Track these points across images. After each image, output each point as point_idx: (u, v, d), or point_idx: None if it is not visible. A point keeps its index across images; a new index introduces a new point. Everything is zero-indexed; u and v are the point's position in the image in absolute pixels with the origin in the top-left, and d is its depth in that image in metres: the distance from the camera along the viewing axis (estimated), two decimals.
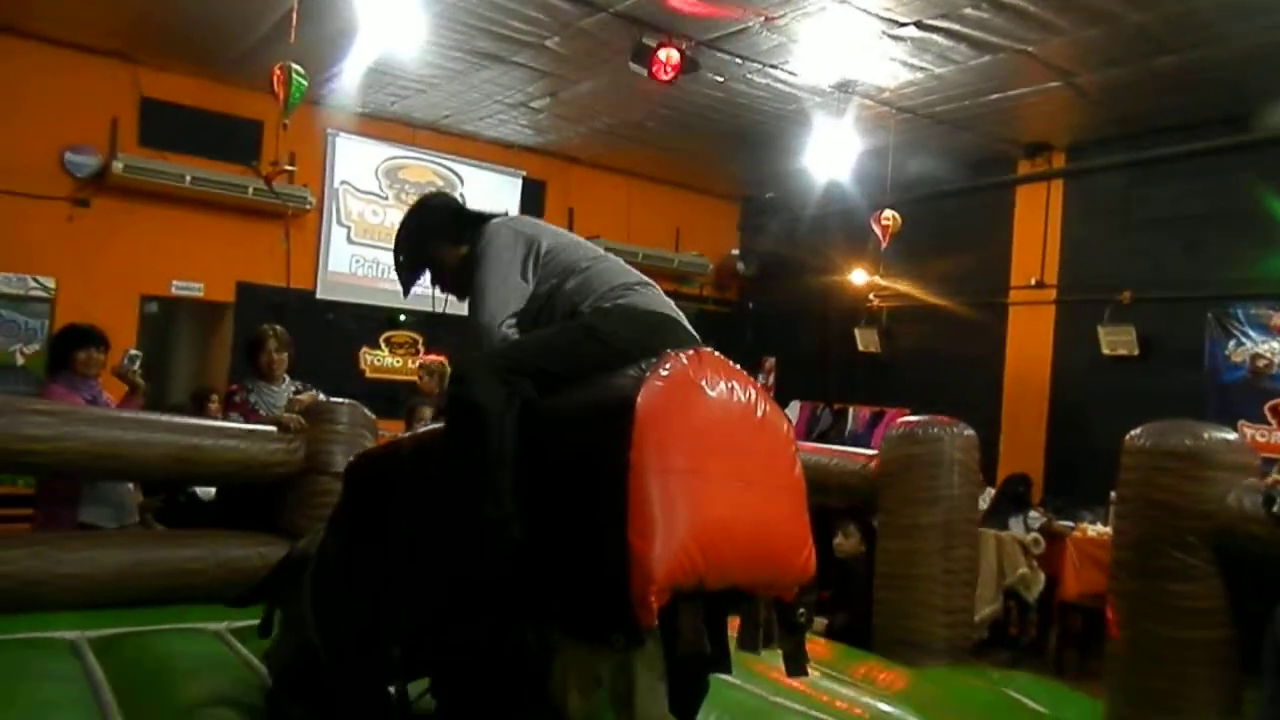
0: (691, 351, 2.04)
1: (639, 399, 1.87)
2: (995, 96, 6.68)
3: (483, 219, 2.44)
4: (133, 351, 4.39)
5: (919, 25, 5.58)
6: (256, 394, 4.33)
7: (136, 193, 7.23)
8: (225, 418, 4.36)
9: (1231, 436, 3.33)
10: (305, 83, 5.28)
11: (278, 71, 5.19)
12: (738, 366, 2.11)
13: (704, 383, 1.97)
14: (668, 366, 1.97)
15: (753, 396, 2.05)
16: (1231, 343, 6.69)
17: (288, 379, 4.43)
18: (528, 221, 2.46)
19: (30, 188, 6.92)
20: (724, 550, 1.86)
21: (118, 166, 7.01)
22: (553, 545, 1.89)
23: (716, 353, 2.11)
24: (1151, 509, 3.22)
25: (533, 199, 9.11)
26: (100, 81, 7.15)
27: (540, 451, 1.97)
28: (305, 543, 2.62)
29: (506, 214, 2.51)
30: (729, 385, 2.01)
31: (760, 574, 1.98)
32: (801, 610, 2.08)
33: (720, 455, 1.92)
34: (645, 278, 2.33)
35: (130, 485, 4.30)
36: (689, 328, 2.23)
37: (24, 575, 3.43)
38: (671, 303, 2.30)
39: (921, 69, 6.27)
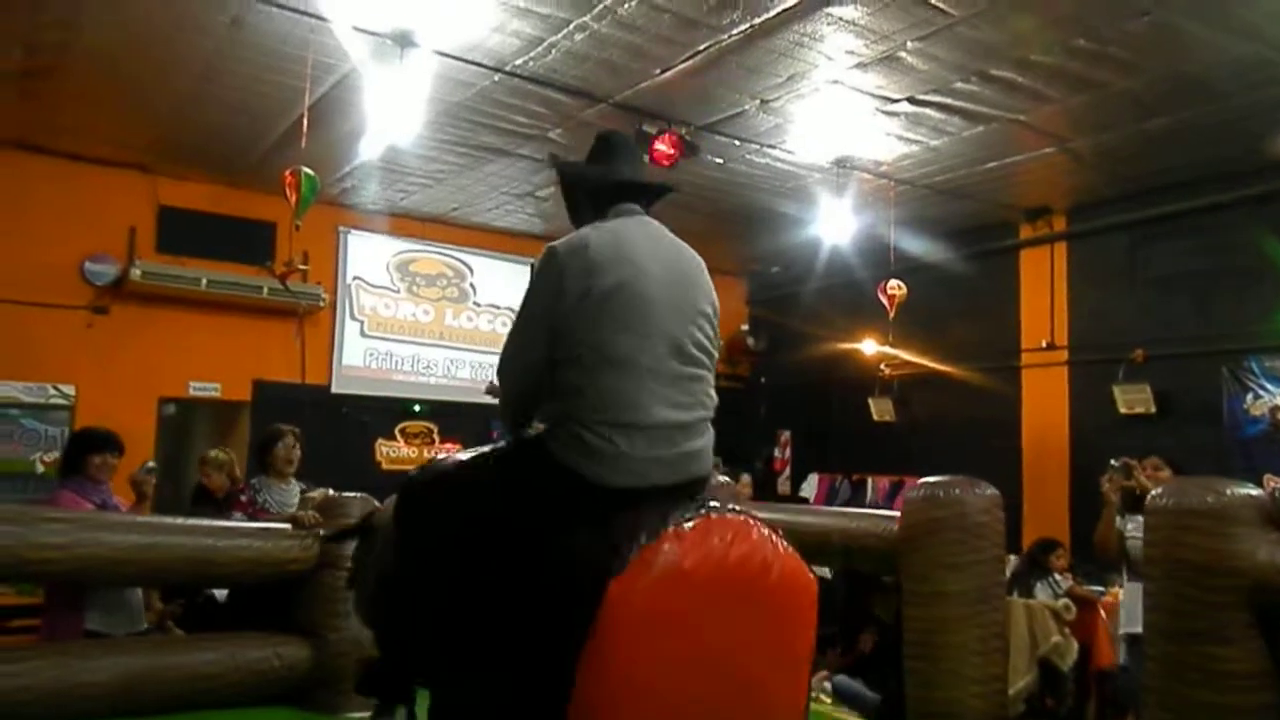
0: (699, 519, 1.94)
1: (611, 587, 1.80)
2: (992, 165, 6.78)
3: (587, 211, 2.34)
4: (150, 464, 4.44)
5: (911, 101, 5.71)
6: (266, 492, 4.35)
7: (154, 298, 7.38)
8: (228, 518, 4.35)
9: (1256, 491, 3.28)
10: (316, 184, 5.43)
11: (289, 176, 5.34)
12: (756, 523, 2.01)
13: (698, 569, 1.88)
14: (660, 555, 1.87)
15: (765, 563, 1.97)
16: (1249, 396, 6.64)
17: (294, 480, 4.46)
18: (585, 254, 2.12)
19: (50, 297, 7.08)
20: None
21: (136, 273, 7.18)
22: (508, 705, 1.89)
23: (730, 517, 2.00)
24: (1180, 569, 3.16)
25: None
26: (119, 192, 7.37)
27: (512, 603, 1.95)
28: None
29: (610, 209, 2.30)
30: (732, 562, 1.93)
31: None
32: None
33: (698, 646, 1.87)
34: (659, 415, 2.06)
35: (139, 590, 4.25)
36: (678, 486, 2.07)
37: (44, 686, 3.41)
38: (689, 447, 2.11)
39: (917, 142, 6.40)
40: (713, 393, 2.23)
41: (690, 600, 1.87)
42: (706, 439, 2.18)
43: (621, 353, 2.05)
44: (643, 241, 2.20)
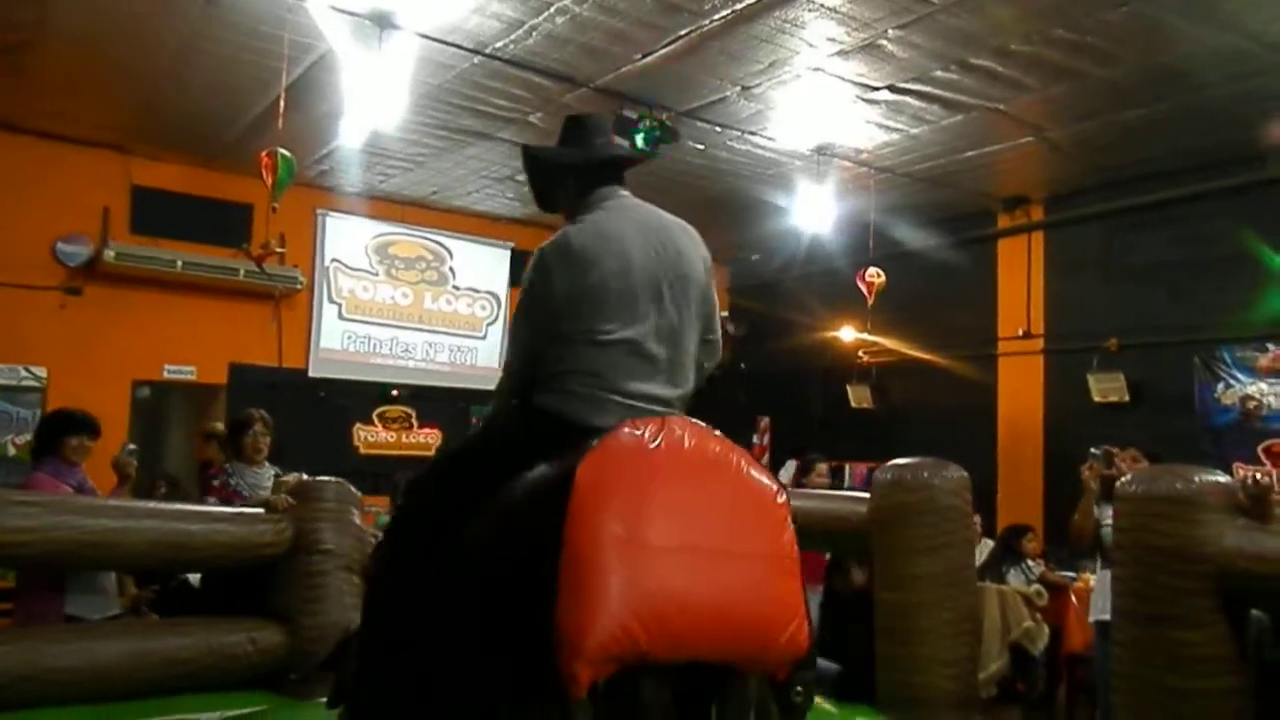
0: (657, 418, 2.00)
1: (579, 470, 1.85)
2: (970, 153, 6.81)
3: (565, 195, 2.39)
4: (131, 446, 4.40)
5: (892, 89, 5.72)
6: (238, 476, 4.32)
7: (128, 279, 7.29)
8: (202, 502, 4.31)
9: (1223, 479, 3.33)
10: (293, 166, 5.37)
11: (265, 157, 5.28)
12: (716, 432, 2.05)
13: (662, 449, 1.92)
14: (621, 434, 1.94)
15: (730, 462, 2.00)
16: (1220, 385, 6.72)
17: (267, 464, 4.43)
18: (570, 252, 2.20)
19: (22, 278, 6.98)
20: (675, 622, 1.80)
21: (109, 254, 7.08)
22: (506, 623, 1.90)
23: (689, 419, 2.06)
24: (1148, 555, 3.20)
25: (522, 269, 9.19)
26: (92, 172, 7.27)
27: (496, 532, 1.98)
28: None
29: (597, 199, 2.33)
30: (697, 451, 1.96)
31: (733, 648, 1.89)
32: (799, 689, 1.98)
33: (676, 524, 1.86)
34: (642, 390, 2.15)
35: (112, 574, 4.22)
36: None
37: (13, 671, 3.36)
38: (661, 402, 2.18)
39: (897, 130, 6.41)
40: (692, 375, 2.31)
41: (657, 474, 1.90)
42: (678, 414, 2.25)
43: (606, 338, 2.14)
44: (628, 229, 2.24)
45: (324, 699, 2.56)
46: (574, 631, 1.73)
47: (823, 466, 6.79)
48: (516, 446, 2.14)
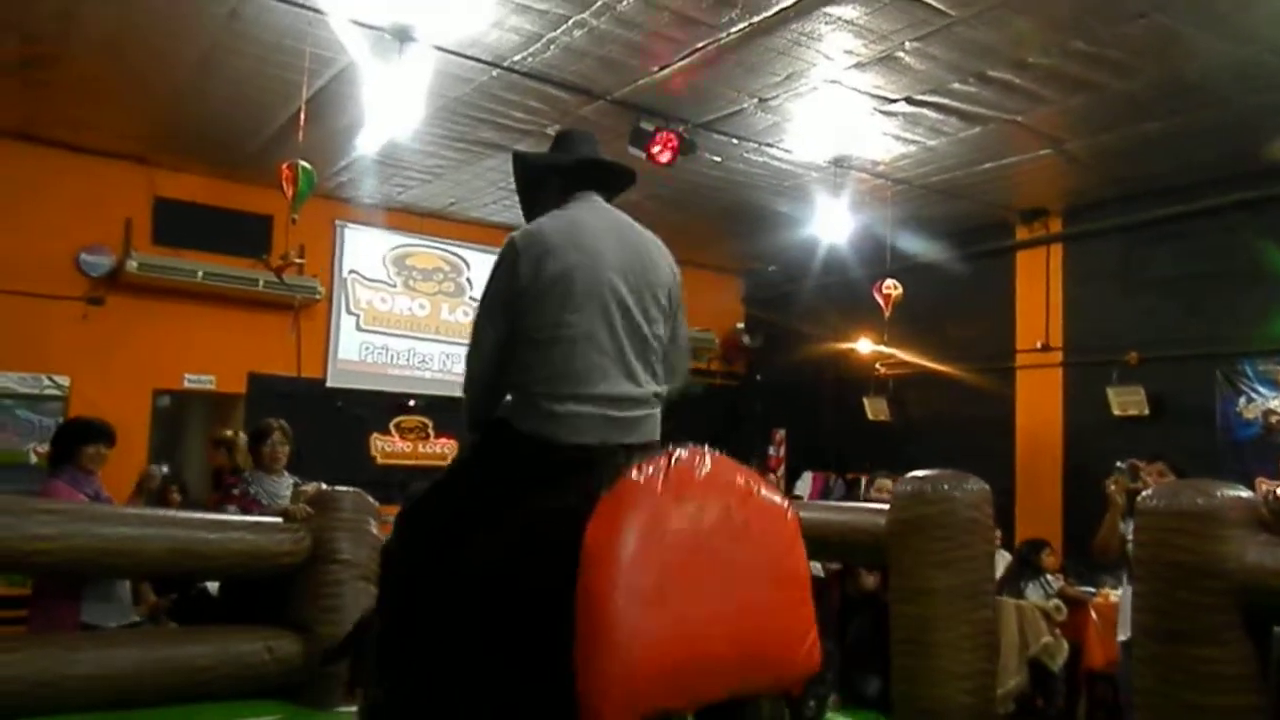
0: (663, 454, 1.97)
1: (588, 531, 1.82)
2: (988, 165, 6.79)
3: (550, 199, 2.42)
4: (165, 470, 4.44)
5: (909, 101, 5.72)
6: (258, 484, 4.35)
7: (150, 289, 7.37)
8: (220, 510, 4.34)
9: (1245, 494, 3.29)
10: (313, 178, 5.42)
11: (286, 169, 5.33)
12: (722, 455, 2.02)
13: (669, 489, 1.89)
14: (627, 483, 1.90)
15: (737, 486, 1.98)
16: (1242, 399, 6.66)
17: (286, 473, 4.46)
18: (538, 239, 2.24)
19: (45, 288, 7.06)
20: (693, 673, 1.80)
21: (131, 265, 7.16)
22: (517, 686, 1.89)
23: (693, 446, 2.03)
24: (1169, 570, 3.17)
25: None
26: (114, 183, 7.35)
27: (497, 588, 1.97)
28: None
29: (566, 197, 2.40)
30: (704, 483, 1.93)
31: (750, 679, 1.90)
32: (811, 703, 2.02)
33: (688, 570, 1.85)
34: (609, 388, 2.16)
35: (126, 583, 4.25)
36: (633, 445, 2.13)
37: (32, 678, 3.39)
38: (633, 413, 2.18)
39: (914, 142, 6.40)
40: (662, 373, 2.32)
41: (666, 519, 1.88)
42: (655, 412, 2.27)
43: (572, 331, 2.15)
44: (597, 226, 2.30)
45: (341, 708, 2.58)
46: (594, 695, 1.73)
47: (886, 483, 6.69)
48: (507, 472, 2.14)
